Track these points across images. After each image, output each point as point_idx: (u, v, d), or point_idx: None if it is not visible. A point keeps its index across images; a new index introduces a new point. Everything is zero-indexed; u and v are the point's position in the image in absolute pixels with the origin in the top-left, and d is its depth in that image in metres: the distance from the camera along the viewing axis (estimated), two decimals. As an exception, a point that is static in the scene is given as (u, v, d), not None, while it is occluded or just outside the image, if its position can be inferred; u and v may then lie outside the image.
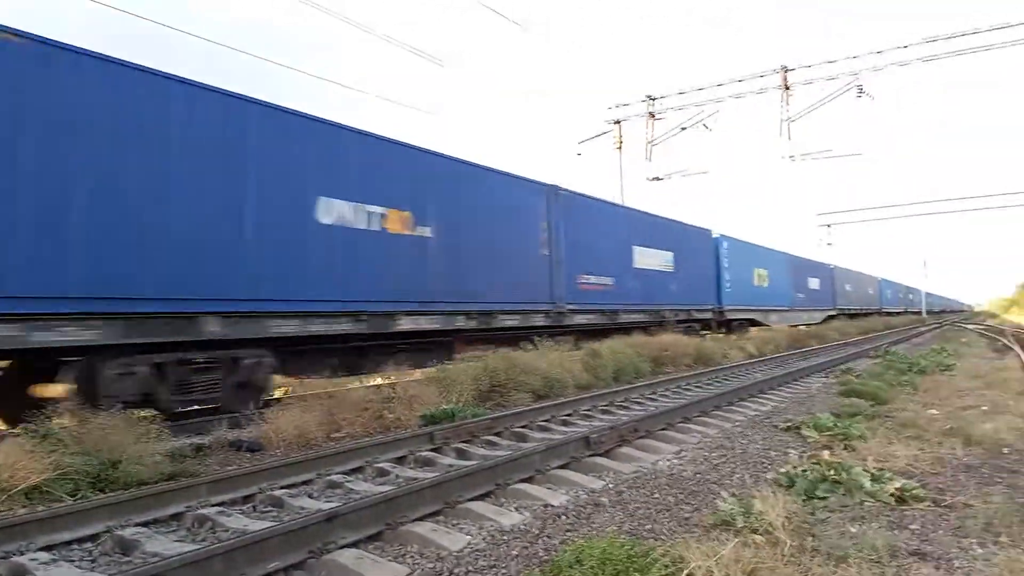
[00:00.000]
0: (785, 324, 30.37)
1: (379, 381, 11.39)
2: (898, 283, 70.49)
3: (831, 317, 38.39)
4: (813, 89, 24.13)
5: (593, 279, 17.06)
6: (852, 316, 43.17)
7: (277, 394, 11.42)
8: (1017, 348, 20.83)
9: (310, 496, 5.47)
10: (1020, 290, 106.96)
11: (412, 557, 3.98)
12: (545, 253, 15.38)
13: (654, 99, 26.27)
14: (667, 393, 11.65)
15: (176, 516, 4.87)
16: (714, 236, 24.97)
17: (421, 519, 4.53)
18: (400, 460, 6.62)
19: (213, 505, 5.03)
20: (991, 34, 22.01)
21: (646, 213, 20.86)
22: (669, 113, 26.41)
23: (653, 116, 26.22)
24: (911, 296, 75.01)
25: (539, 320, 15.03)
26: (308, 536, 3.89)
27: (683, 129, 25.91)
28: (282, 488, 5.53)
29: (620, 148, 26.68)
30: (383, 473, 6.14)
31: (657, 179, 26.47)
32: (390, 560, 3.93)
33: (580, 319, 16.56)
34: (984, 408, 9.13)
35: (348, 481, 5.81)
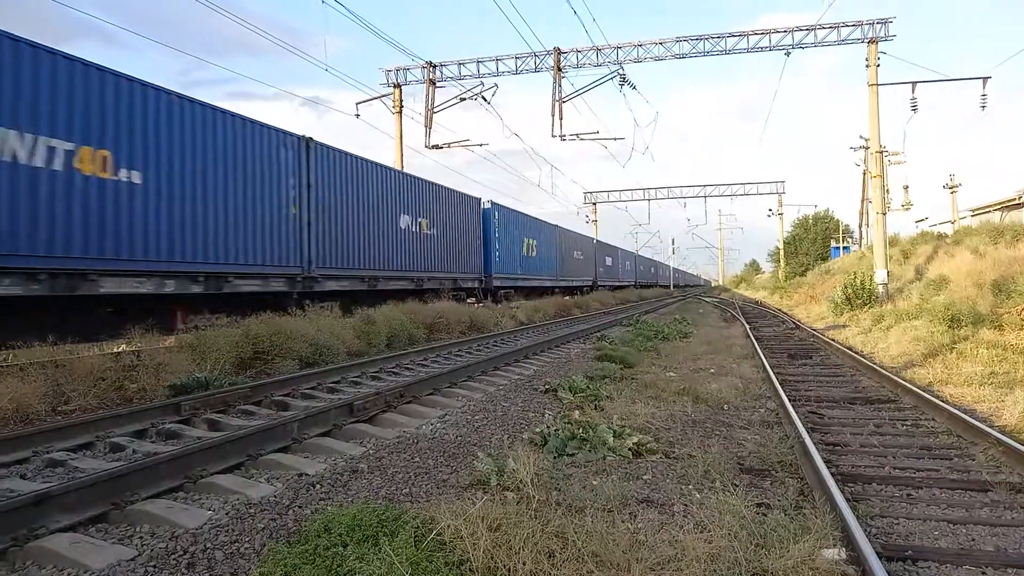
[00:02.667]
0: (551, 293, 32.17)
1: (122, 348, 10.25)
2: (651, 259, 77.83)
3: (591, 288, 41.40)
4: (583, 74, 25.48)
5: (350, 242, 16.06)
6: (612, 289, 46.91)
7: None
8: (742, 319, 23.91)
9: (23, 477, 4.77)
10: (747, 268, 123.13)
11: (141, 538, 3.61)
12: (294, 212, 13.97)
13: (435, 66, 26.18)
14: (438, 359, 11.80)
15: None
16: (485, 206, 25.27)
17: (156, 496, 4.13)
18: (140, 434, 6.01)
19: None
20: (732, 39, 24.71)
21: (413, 177, 20.23)
22: (449, 83, 26.53)
23: (433, 83, 26.11)
24: (662, 271, 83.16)
25: (281, 285, 13.68)
26: (10, 522, 3.37)
27: (462, 99, 26.12)
28: (-14, 470, 4.77)
29: (400, 113, 26.31)
30: (118, 448, 5.53)
31: (436, 147, 26.49)
32: (114, 543, 3.53)
33: (333, 285, 15.43)
34: (712, 370, 10.36)
35: (73, 459, 5.15)
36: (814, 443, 5.45)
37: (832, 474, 4.60)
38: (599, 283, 43.86)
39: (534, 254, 30.00)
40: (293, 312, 12.43)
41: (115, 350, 9.11)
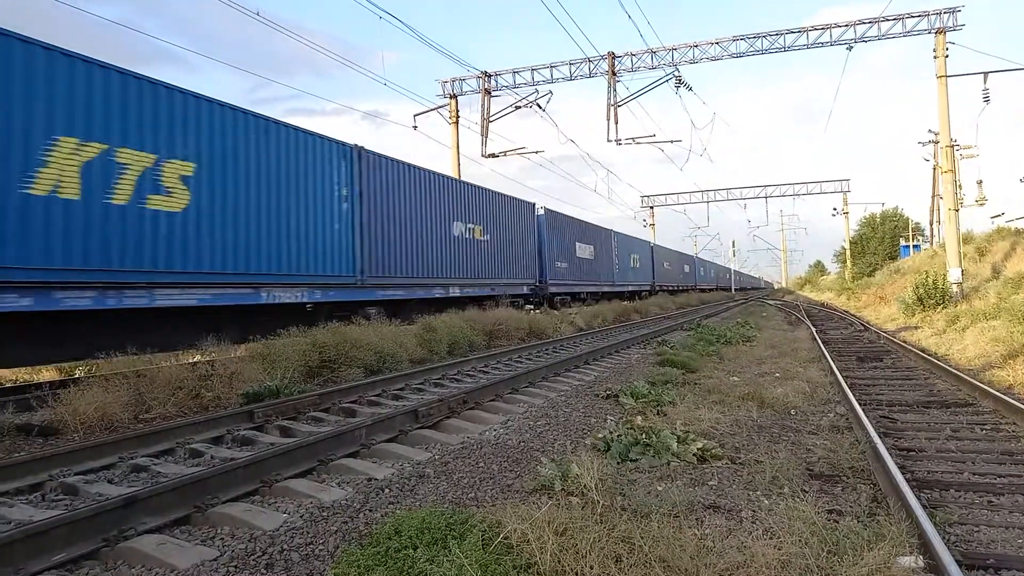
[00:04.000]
0: (608, 299, 31.96)
1: (197, 358, 10.67)
2: (711, 262, 76.55)
3: (650, 292, 40.92)
4: (638, 77, 25.32)
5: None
6: (671, 292, 46.27)
7: (78, 373, 10.41)
8: (808, 322, 23.32)
9: (110, 482, 5.02)
10: (812, 269, 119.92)
11: (222, 539, 3.77)
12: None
13: (490, 75, 26.42)
14: (499, 365, 11.89)
15: (-57, 511, 4.29)
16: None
17: (235, 500, 4.31)
18: (217, 440, 6.26)
19: (-8, 496, 4.49)
20: (790, 36, 24.20)
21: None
22: (504, 92, 26.73)
23: (489, 93, 26.36)
24: (722, 274, 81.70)
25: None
26: (101, 524, 3.57)
27: (517, 108, 26.28)
28: (78, 474, 5.06)
29: (456, 123, 26.62)
30: (197, 454, 5.77)
31: (493, 155, 26.70)
32: (197, 544, 3.70)
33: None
34: (777, 375, 10.15)
35: (156, 464, 5.40)
36: (887, 448, 5.31)
37: (907, 480, 4.47)
38: (658, 287, 43.32)
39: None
40: (357, 321, 12.70)
41: (191, 360, 9.49)
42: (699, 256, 68.91)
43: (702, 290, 61.80)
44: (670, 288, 47.62)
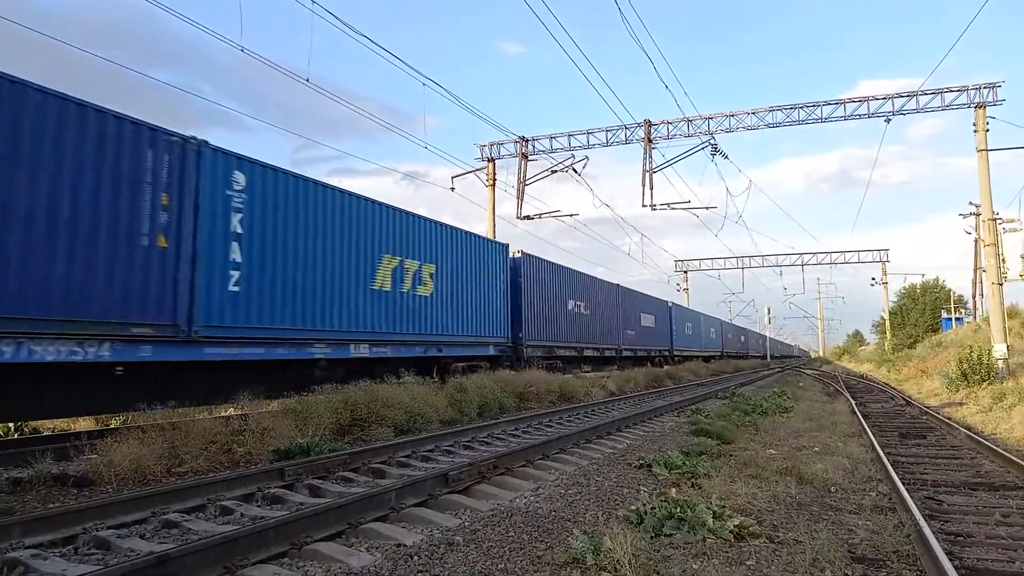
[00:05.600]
0: (611, 363, 28.52)
1: (229, 412, 10.76)
2: (745, 328, 75.50)
3: (681, 358, 39.08)
4: (674, 144, 25.60)
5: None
6: (704, 359, 45.12)
7: (113, 423, 10.56)
8: (847, 393, 22.76)
9: (142, 537, 5.03)
10: (850, 339, 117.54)
11: (250, 603, 3.74)
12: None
13: (527, 140, 26.96)
14: (529, 429, 11.77)
15: (-20, 560, 4.33)
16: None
17: (264, 561, 4.28)
18: (247, 497, 6.26)
19: (28, 548, 4.53)
20: (827, 108, 24.39)
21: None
22: (541, 156, 27.23)
23: (526, 157, 26.85)
24: (757, 341, 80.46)
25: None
26: (134, 582, 3.57)
27: (553, 172, 26.71)
28: (111, 528, 5.08)
29: (493, 185, 27.08)
30: (227, 512, 5.77)
31: (528, 217, 27.04)
32: (225, 607, 3.66)
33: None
34: (816, 449, 9.87)
35: (187, 520, 5.41)
36: (933, 532, 5.10)
37: (956, 567, 4.29)
38: (677, 351, 39.95)
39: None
40: (388, 380, 12.75)
41: (224, 413, 9.59)
42: (733, 322, 68.11)
43: (736, 356, 60.75)
44: (704, 354, 46.76)
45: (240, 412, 10.41)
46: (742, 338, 71.01)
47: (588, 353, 26.20)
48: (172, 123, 11.22)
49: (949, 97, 22.51)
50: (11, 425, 10.34)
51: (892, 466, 8.09)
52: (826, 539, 5.10)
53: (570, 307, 24.44)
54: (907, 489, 6.70)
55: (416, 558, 4.49)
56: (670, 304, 40.39)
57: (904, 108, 23.18)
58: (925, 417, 15.08)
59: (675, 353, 39.32)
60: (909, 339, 53.80)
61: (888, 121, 23.58)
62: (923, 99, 22.90)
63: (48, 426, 10.70)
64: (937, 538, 4.95)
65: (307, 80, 15.22)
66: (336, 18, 14.72)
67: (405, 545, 4.78)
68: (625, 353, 30.76)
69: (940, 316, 55.42)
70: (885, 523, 5.67)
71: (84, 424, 10.73)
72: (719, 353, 54.08)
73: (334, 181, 12.81)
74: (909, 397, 21.45)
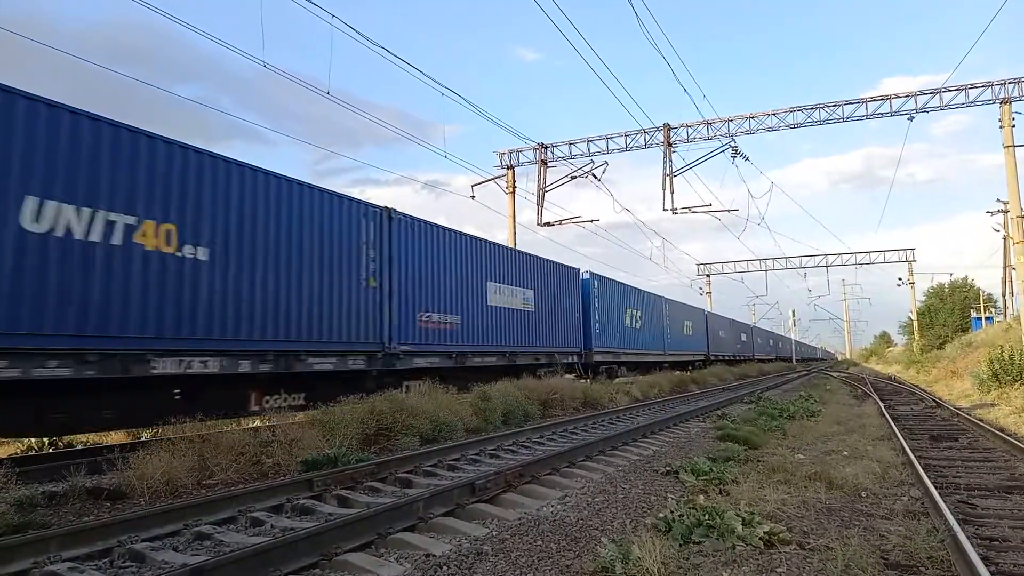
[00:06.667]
0: (657, 369, 30.64)
1: (257, 423, 10.88)
2: (770, 331, 74.78)
3: (705, 362, 39.82)
4: (694, 148, 25.55)
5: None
6: (729, 363, 45.13)
7: (145, 435, 10.72)
8: (875, 396, 22.46)
9: (175, 549, 5.11)
10: (877, 341, 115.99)
11: (284, 614, 3.78)
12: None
13: (546, 147, 27.02)
14: (554, 437, 11.75)
15: (22, 573, 4.43)
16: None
17: (295, 572, 4.33)
18: (277, 508, 6.32)
19: (64, 560, 4.62)
20: (849, 107, 24.16)
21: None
22: (560, 163, 27.26)
23: (545, 164, 26.91)
24: (782, 344, 79.63)
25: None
26: (169, 594, 3.64)
27: (572, 178, 26.73)
28: (145, 541, 5.16)
29: (513, 193, 27.15)
30: (258, 523, 5.84)
31: (548, 224, 27.06)
32: (259, 618, 3.71)
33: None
34: (845, 453, 9.76)
35: (219, 532, 5.48)
36: (967, 537, 5.02)
37: (992, 573, 4.22)
38: (712, 356, 42.13)
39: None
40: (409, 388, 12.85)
41: (253, 425, 9.69)
42: (757, 325, 67.49)
43: (761, 360, 60.22)
44: (727, 358, 46.53)
45: (267, 424, 10.51)
46: (769, 341, 70.45)
47: (642, 359, 29.12)
48: (197, 138, 11.57)
49: (974, 93, 22.23)
50: (45, 440, 10.55)
51: (924, 470, 7.98)
52: (858, 545, 5.05)
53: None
54: (940, 493, 6.61)
55: (445, 568, 4.51)
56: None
57: (928, 105, 22.93)
58: (956, 419, 14.84)
59: (711, 357, 41.51)
60: (938, 340, 52.96)
61: (911, 119, 23.38)
62: (947, 96, 22.65)
63: (81, 440, 10.89)
64: (972, 543, 4.88)
65: (327, 92, 15.40)
66: (355, 31, 14.92)
67: (434, 555, 4.81)
68: (670, 358, 33.14)
69: (969, 316, 54.51)
70: (918, 528, 5.59)
71: (116, 437, 10.90)
72: (749, 356, 54.54)
73: (355, 192, 13.42)
74: (939, 399, 21.12)
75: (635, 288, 29.26)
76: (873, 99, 23.87)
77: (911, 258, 54.42)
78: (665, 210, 25.21)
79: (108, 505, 6.73)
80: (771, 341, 71.61)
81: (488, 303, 17.61)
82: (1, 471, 6.18)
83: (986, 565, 4.42)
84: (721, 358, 44.43)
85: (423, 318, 14.87)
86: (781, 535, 5.25)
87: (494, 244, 18.55)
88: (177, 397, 9.83)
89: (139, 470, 7.19)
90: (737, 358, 49.77)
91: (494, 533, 5.42)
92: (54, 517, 6.10)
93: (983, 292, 56.48)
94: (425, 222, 15.43)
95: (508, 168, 27.60)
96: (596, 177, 26.33)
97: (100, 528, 5.14)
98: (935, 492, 6.59)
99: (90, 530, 5.06)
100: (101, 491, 7.00)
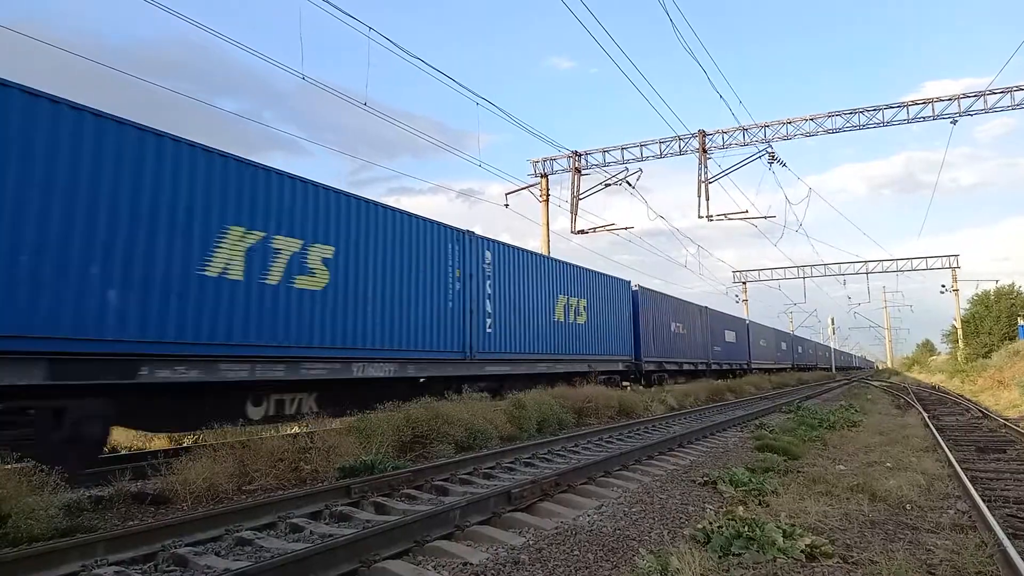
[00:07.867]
0: (701, 376, 31.16)
1: (296, 430, 11.02)
2: (809, 340, 73.54)
3: (744, 371, 39.58)
4: (730, 154, 25.30)
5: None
6: (767, 372, 44.58)
7: (186, 442, 10.92)
8: (918, 406, 21.93)
9: (217, 554, 5.20)
10: (920, 349, 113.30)
11: (324, 620, 3.82)
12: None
13: (580, 155, 26.99)
14: (589, 445, 11.70)
15: (70, 576, 4.55)
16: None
17: (335, 579, 4.36)
18: (315, 515, 6.39)
19: (111, 564, 4.73)
20: (889, 111, 23.72)
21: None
22: (594, 170, 27.22)
23: (579, 171, 26.89)
24: (821, 353, 78.25)
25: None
26: (213, 599, 3.70)
27: (606, 186, 26.66)
28: (188, 545, 5.25)
29: (547, 201, 27.17)
30: (297, 529, 5.91)
31: (582, 232, 27.01)
32: (300, 624, 3.76)
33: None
34: (888, 464, 9.54)
35: (259, 538, 5.56)
36: (1019, 552, 4.87)
37: (1045, 591, 4.09)
38: (753, 364, 41.95)
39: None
40: (449, 396, 12.88)
41: (291, 431, 9.83)
42: (795, 333, 66.43)
43: (800, 368, 59.26)
44: (766, 367, 45.97)
45: (306, 430, 10.64)
46: (809, 350, 69.37)
47: (687, 367, 30.05)
48: (239, 148, 11.91)
49: (1019, 96, 21.67)
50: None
51: (971, 482, 7.77)
52: (903, 559, 4.93)
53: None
54: (988, 506, 6.42)
55: (483, 577, 4.52)
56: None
57: (971, 108, 22.39)
58: (1004, 430, 14.42)
59: (752, 366, 42.20)
60: (983, 348, 51.48)
61: (954, 123, 22.84)
62: (992, 98, 22.11)
63: (125, 445, 11.14)
64: (1023, 558, 4.73)
65: (364, 104, 15.63)
66: (391, 42, 15.10)
67: (471, 564, 4.82)
68: (713, 366, 34.02)
69: (1016, 323, 52.85)
70: (965, 542, 5.45)
71: (159, 443, 11.13)
72: (789, 366, 54.18)
73: (391, 200, 13.90)
74: (985, 409, 20.54)
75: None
76: (914, 103, 23.41)
77: (955, 264, 53.11)
78: (700, 217, 25.01)
79: (152, 510, 6.88)
80: (810, 350, 70.46)
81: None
82: (50, 476, 6.32)
83: (1039, 582, 4.28)
84: (761, 367, 44.66)
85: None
86: (823, 548, 5.16)
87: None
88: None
89: (182, 475, 7.33)
90: (777, 367, 49.48)
91: (531, 542, 5.41)
92: (100, 521, 6.24)
93: (1031, 299, 54.74)
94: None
95: (542, 176, 27.63)
96: (630, 184, 26.24)
97: (145, 532, 5.25)
98: (983, 505, 6.41)
99: (135, 534, 5.18)
100: (145, 496, 7.16)
